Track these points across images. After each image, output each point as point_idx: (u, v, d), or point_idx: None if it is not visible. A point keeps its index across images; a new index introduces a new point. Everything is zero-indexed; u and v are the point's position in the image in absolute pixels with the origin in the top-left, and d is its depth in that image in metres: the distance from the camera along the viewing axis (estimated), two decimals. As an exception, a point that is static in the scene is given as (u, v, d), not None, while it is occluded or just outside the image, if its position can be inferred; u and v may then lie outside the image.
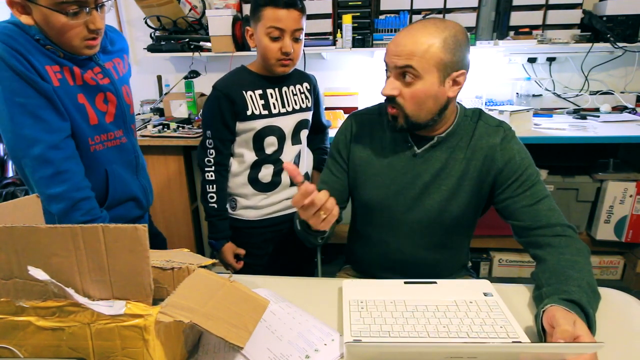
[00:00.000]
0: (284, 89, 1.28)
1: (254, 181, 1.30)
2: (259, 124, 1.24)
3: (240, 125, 1.24)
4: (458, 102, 1.02)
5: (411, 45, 0.86)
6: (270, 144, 1.27)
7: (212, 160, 1.27)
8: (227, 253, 1.33)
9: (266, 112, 1.24)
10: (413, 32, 0.87)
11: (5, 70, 0.86)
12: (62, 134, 0.94)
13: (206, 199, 1.29)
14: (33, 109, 0.89)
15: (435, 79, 0.88)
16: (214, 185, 1.28)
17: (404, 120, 0.93)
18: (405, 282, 0.89)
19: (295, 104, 1.29)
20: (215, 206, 1.29)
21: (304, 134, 1.34)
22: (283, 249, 1.40)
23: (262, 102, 1.24)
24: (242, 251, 1.35)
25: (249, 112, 1.22)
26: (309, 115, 1.35)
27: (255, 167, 1.28)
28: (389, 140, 1.04)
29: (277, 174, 1.30)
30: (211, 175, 1.27)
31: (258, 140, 1.25)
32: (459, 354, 0.62)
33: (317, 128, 1.45)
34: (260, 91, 1.24)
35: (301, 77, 1.34)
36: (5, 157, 2.29)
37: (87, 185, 0.99)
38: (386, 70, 0.94)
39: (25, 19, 0.88)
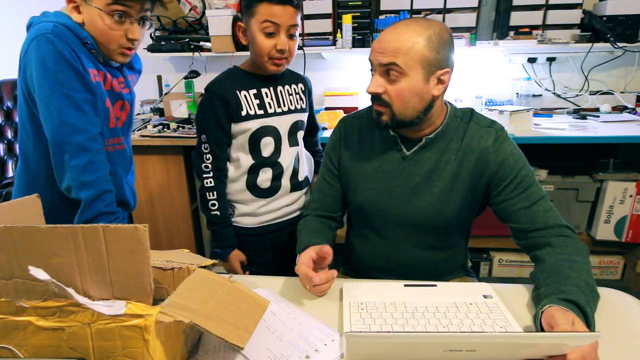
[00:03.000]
0: (279, 88, 1.24)
1: (252, 187, 1.24)
2: (255, 125, 1.19)
3: (235, 127, 1.19)
4: (449, 103, 1.02)
5: (395, 43, 0.87)
6: (267, 145, 1.22)
7: (209, 165, 1.21)
8: (234, 262, 1.27)
9: (261, 111, 1.20)
10: (397, 30, 0.88)
11: (61, 62, 0.94)
12: (98, 128, 1.02)
13: (207, 207, 1.23)
14: (78, 102, 0.97)
15: (419, 77, 0.88)
16: (214, 192, 1.22)
17: (390, 117, 0.93)
18: (405, 285, 0.89)
19: (291, 104, 1.26)
20: (218, 213, 1.23)
21: (300, 135, 1.30)
22: (282, 256, 1.36)
23: (257, 101, 1.19)
24: (245, 259, 1.31)
25: (243, 113, 1.17)
26: (304, 117, 1.31)
27: (253, 172, 1.23)
28: (379, 143, 1.04)
29: (276, 178, 1.25)
30: (210, 182, 1.22)
31: (254, 142, 1.21)
32: (458, 346, 0.62)
33: (310, 130, 1.41)
34: (254, 90, 1.20)
35: (296, 77, 1.31)
36: (5, 157, 2.29)
37: (110, 179, 1.06)
38: (371, 69, 0.95)
39: (75, 17, 0.98)
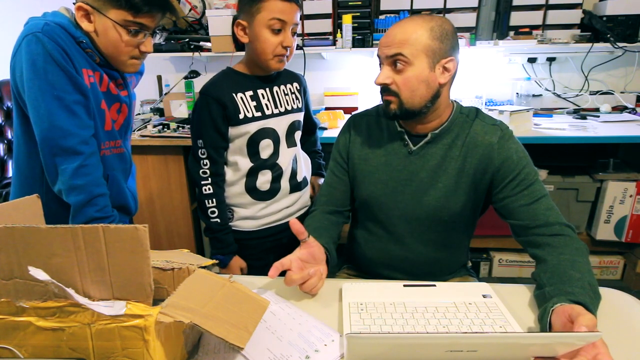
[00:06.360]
0: (275, 88, 1.22)
1: (251, 190, 1.22)
2: (253, 127, 1.17)
3: (233, 131, 1.17)
4: (455, 101, 1.03)
5: (400, 35, 0.92)
6: (266, 147, 1.20)
7: (207, 171, 1.18)
8: (235, 268, 1.25)
9: (259, 113, 1.18)
10: (401, 25, 0.93)
11: (51, 63, 0.91)
12: (91, 131, 1.00)
13: (207, 215, 1.20)
14: (69, 104, 0.94)
15: (425, 65, 0.92)
16: (214, 199, 1.19)
17: (398, 106, 0.96)
18: (404, 285, 0.89)
19: (287, 104, 1.24)
20: (219, 220, 1.20)
21: (298, 135, 1.28)
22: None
23: (254, 103, 1.17)
24: (245, 266, 1.29)
25: (241, 116, 1.15)
26: (301, 117, 1.29)
27: (252, 175, 1.21)
28: (386, 139, 1.05)
29: (275, 180, 1.23)
30: (209, 189, 1.18)
31: (252, 145, 1.18)
32: (460, 346, 0.62)
33: (307, 129, 1.40)
34: (250, 92, 1.17)
35: (291, 76, 1.29)
36: (5, 157, 2.29)
37: (104, 182, 1.03)
38: (379, 64, 0.98)
39: (86, 26, 0.96)
